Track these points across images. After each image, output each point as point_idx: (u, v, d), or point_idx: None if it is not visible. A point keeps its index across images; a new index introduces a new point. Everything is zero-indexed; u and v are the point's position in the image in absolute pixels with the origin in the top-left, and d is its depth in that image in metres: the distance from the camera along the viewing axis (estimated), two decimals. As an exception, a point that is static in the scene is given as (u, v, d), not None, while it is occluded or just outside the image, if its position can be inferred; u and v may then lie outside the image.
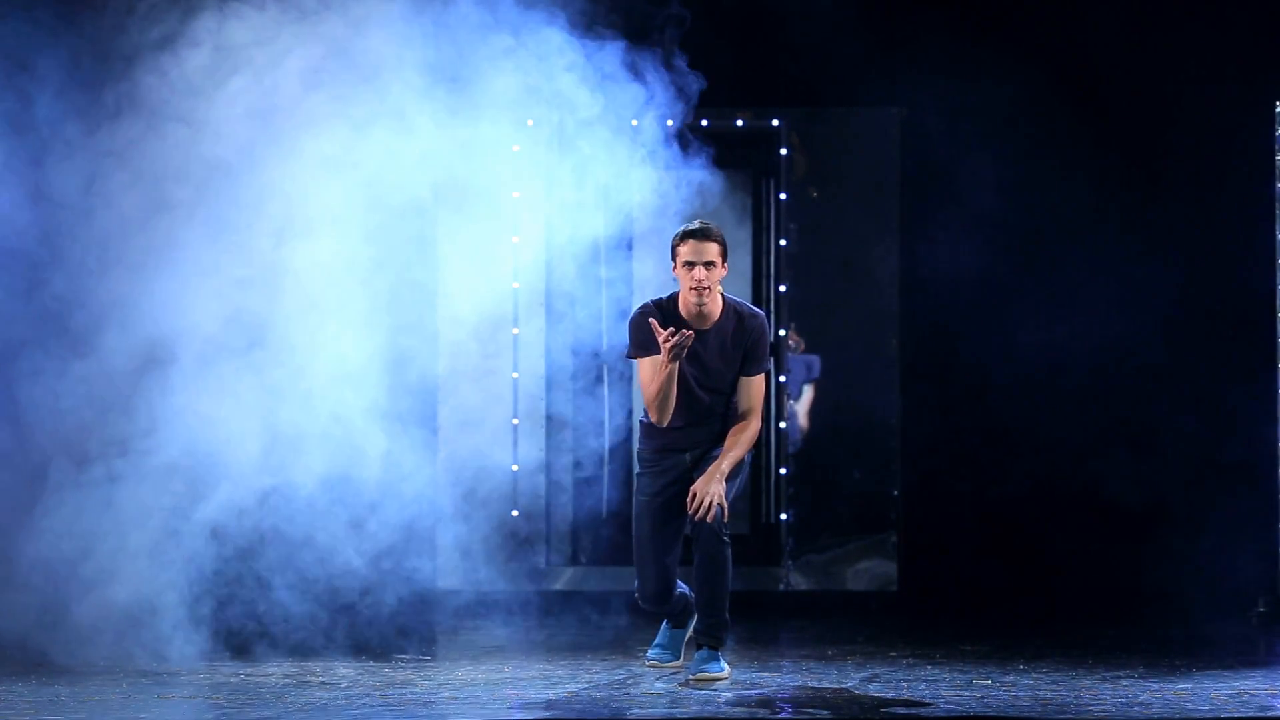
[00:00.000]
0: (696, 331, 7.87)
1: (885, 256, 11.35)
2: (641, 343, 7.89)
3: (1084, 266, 11.27)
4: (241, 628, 9.24)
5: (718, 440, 7.94)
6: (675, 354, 7.71)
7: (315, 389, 9.58)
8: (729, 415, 7.96)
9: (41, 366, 9.31)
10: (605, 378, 11.34)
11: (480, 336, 11.12)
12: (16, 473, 9.32)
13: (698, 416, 7.93)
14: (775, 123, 11.35)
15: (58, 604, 9.11)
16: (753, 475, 11.47)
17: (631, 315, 7.97)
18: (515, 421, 11.27)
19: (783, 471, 11.32)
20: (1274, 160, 10.96)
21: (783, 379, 11.37)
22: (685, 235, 7.90)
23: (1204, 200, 11.21)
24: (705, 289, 7.83)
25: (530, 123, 11.23)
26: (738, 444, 7.89)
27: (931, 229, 11.31)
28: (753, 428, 7.94)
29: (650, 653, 8.23)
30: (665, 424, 7.90)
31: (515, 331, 11.30)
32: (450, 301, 11.03)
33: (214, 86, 9.41)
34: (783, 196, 11.40)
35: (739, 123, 11.28)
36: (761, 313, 8.01)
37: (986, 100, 11.14)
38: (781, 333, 11.36)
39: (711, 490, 7.74)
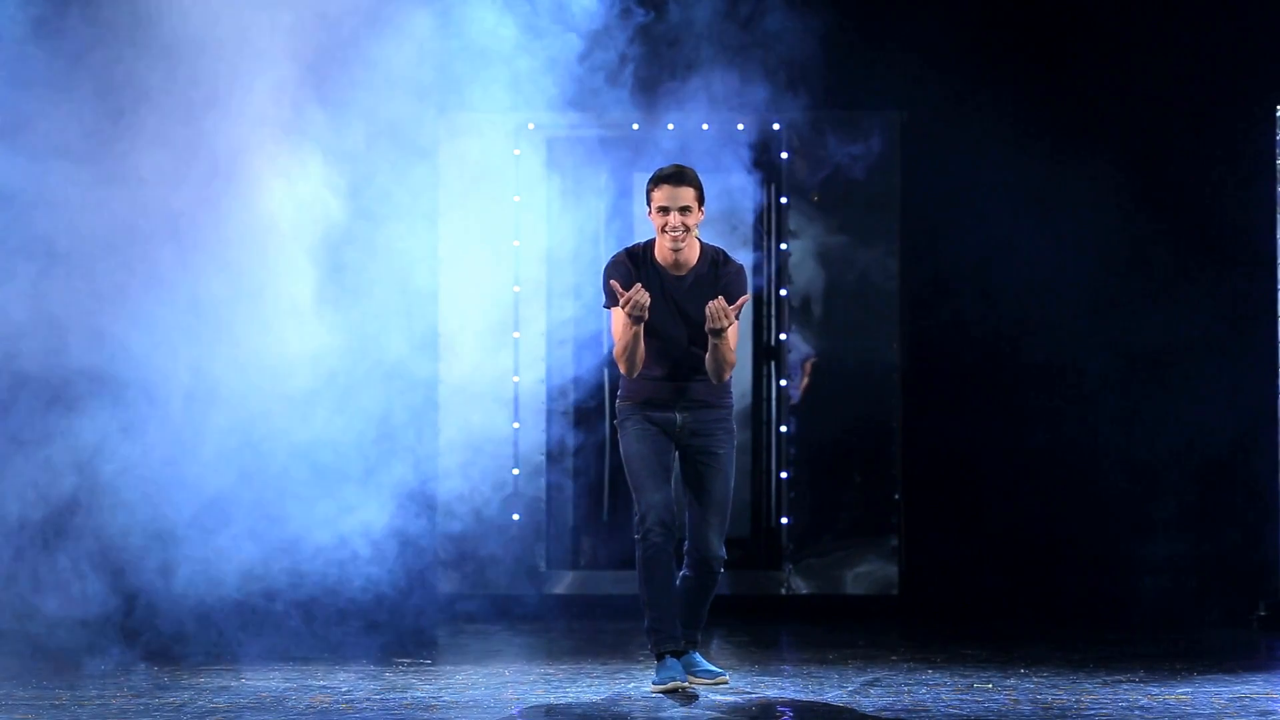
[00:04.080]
0: (675, 278, 7.70)
1: (886, 260, 11.35)
2: (613, 293, 7.64)
3: (1084, 269, 11.26)
4: (244, 633, 9.25)
5: (706, 397, 7.74)
6: (635, 316, 7.53)
7: (315, 392, 9.59)
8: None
9: None
10: (606, 381, 11.35)
11: (481, 340, 11.13)
12: None
13: (680, 366, 7.72)
14: (776, 126, 11.35)
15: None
16: (754, 479, 11.48)
17: (607, 263, 7.78)
18: (516, 425, 11.27)
19: (784, 475, 11.32)
20: (1275, 163, 10.95)
21: (783, 382, 11.36)
22: (659, 179, 7.67)
23: (1204, 202, 11.21)
24: (680, 235, 7.65)
25: (531, 126, 11.25)
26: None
27: (932, 232, 11.30)
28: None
29: (655, 677, 7.85)
30: (634, 375, 7.69)
31: (516, 335, 11.30)
32: (451, 305, 11.05)
33: (213, 83, 9.41)
34: (784, 200, 11.40)
35: (740, 126, 11.28)
36: (739, 261, 7.83)
37: (987, 103, 11.13)
38: (783, 336, 11.36)
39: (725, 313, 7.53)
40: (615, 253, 7.81)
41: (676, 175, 7.66)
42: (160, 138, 9.29)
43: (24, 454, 9.21)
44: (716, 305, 7.53)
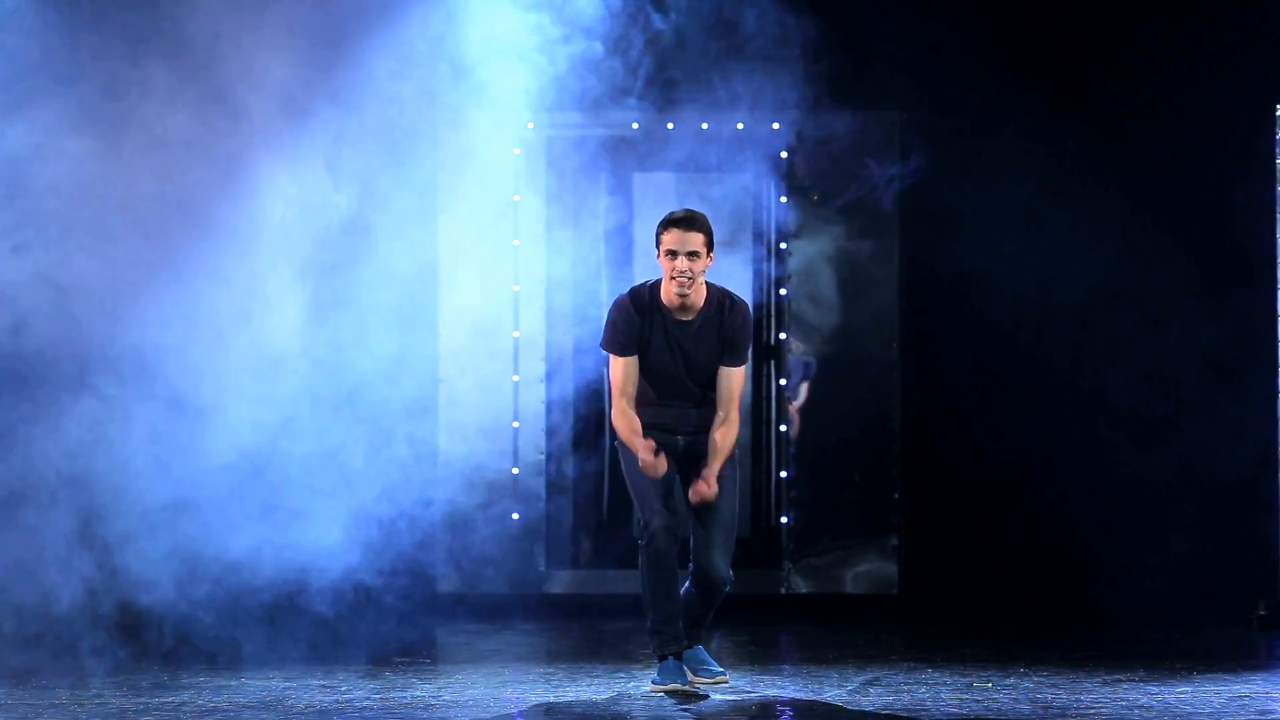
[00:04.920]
0: (680, 322, 7.68)
1: (885, 260, 11.34)
2: (616, 340, 7.68)
3: (1084, 268, 11.26)
4: (241, 632, 9.24)
5: (709, 424, 7.72)
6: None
7: (314, 391, 9.59)
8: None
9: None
10: (605, 380, 11.34)
11: (481, 339, 11.12)
12: None
13: (686, 401, 7.74)
14: (776, 126, 11.35)
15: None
16: (754, 478, 11.47)
17: (612, 305, 7.75)
18: (515, 425, 11.27)
19: (784, 474, 11.32)
20: (1275, 163, 10.95)
21: (783, 382, 11.36)
22: (669, 223, 7.63)
23: (1204, 203, 11.20)
24: (688, 280, 7.62)
25: (531, 126, 11.25)
26: (724, 446, 7.66)
27: (931, 232, 11.30)
28: (733, 425, 7.70)
29: (656, 677, 7.85)
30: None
31: (516, 334, 11.30)
32: (451, 305, 11.05)
33: (216, 80, 9.42)
34: (783, 200, 11.40)
35: (740, 126, 11.28)
36: (745, 303, 7.79)
37: (986, 103, 11.13)
38: (782, 336, 11.36)
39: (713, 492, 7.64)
40: (620, 295, 7.78)
41: (687, 220, 7.63)
42: (163, 130, 9.29)
43: (20, 433, 9.23)
44: (704, 490, 7.58)
